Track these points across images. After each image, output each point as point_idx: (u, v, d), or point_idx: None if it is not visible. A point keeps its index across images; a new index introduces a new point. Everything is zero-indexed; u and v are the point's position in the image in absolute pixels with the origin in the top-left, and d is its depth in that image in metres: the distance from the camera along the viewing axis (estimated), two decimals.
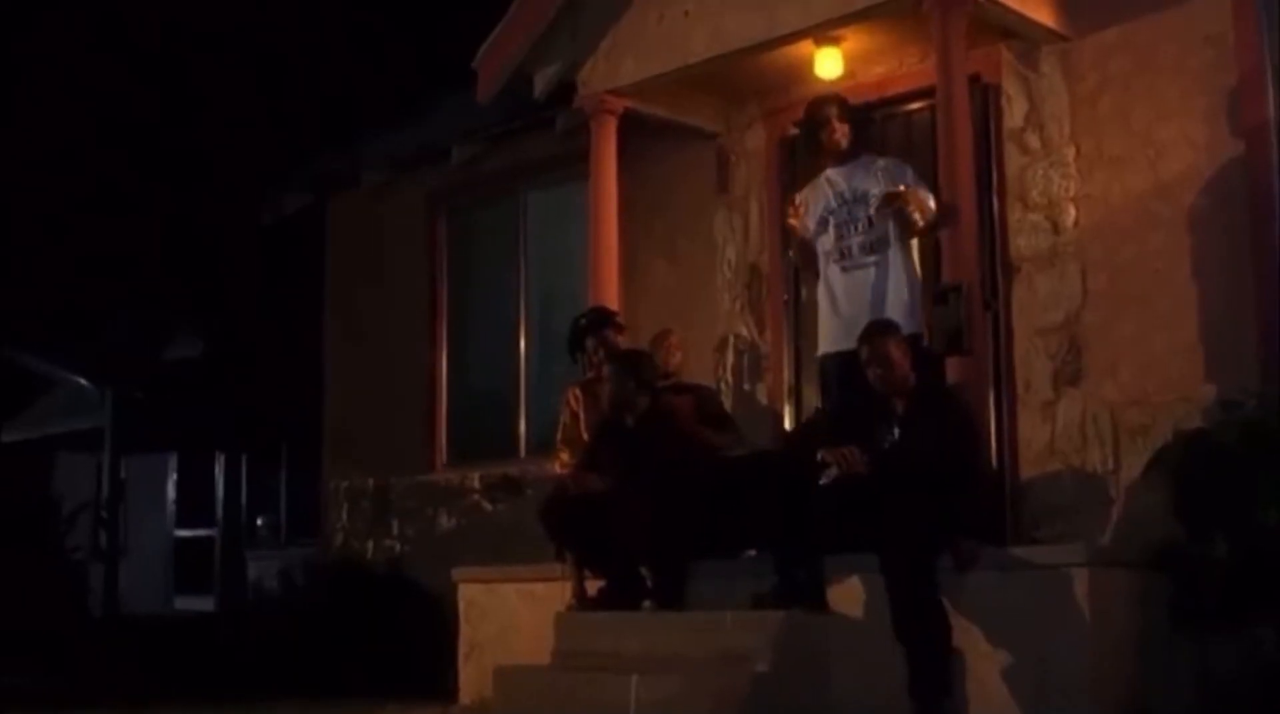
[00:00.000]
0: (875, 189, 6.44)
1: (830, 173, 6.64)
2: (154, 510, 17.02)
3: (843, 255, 6.51)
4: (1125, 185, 6.67)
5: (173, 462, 17.22)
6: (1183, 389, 6.26)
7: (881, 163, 6.60)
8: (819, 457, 5.63)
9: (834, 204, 6.57)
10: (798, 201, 6.72)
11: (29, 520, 12.90)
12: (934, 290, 6.46)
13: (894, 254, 6.38)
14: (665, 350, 7.15)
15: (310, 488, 11.14)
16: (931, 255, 6.81)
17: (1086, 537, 6.28)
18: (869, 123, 6.99)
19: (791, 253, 7.13)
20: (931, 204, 6.33)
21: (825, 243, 6.60)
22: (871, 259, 6.42)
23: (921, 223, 6.29)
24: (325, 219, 10.82)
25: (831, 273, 6.56)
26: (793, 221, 6.69)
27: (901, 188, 6.33)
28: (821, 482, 5.60)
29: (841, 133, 6.61)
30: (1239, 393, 5.82)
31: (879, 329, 5.98)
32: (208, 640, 10.47)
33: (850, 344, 6.18)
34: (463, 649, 7.26)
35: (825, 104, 6.70)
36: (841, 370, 6.37)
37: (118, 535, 14.69)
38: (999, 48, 7.06)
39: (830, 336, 6.56)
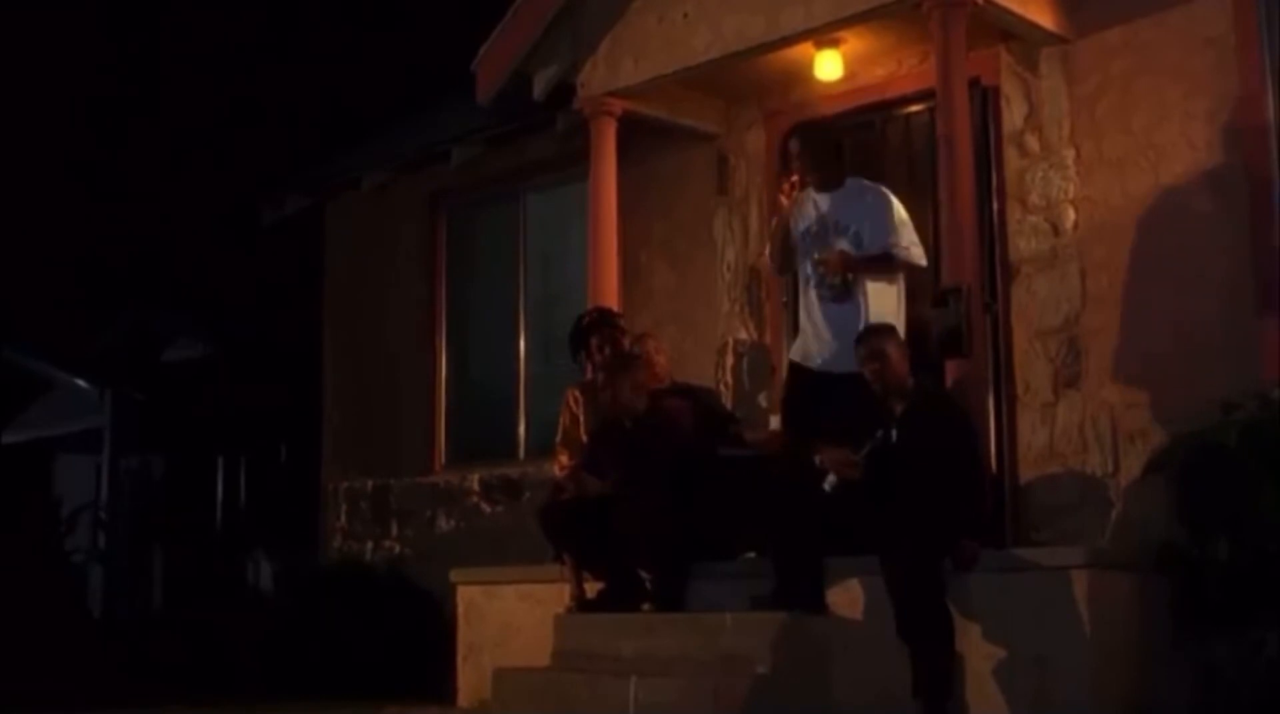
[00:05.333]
0: (858, 225, 6.36)
1: (816, 196, 6.55)
2: (152, 511, 16.99)
3: (820, 281, 6.42)
4: (1125, 187, 6.66)
5: (172, 462, 17.18)
6: (1183, 391, 6.26)
7: (869, 198, 6.46)
8: (817, 461, 5.65)
9: (815, 227, 6.49)
10: (794, 183, 6.57)
11: (29, 521, 12.89)
12: (933, 292, 6.47)
13: (869, 288, 6.32)
14: (645, 356, 7.05)
15: (310, 489, 11.13)
16: (932, 257, 6.81)
17: (1086, 538, 6.28)
18: (838, 149, 6.78)
19: (769, 246, 6.87)
20: (904, 246, 6.32)
21: (805, 267, 6.52)
22: (846, 291, 6.34)
23: (839, 282, 6.24)
24: (325, 219, 10.82)
25: (810, 298, 6.50)
26: (784, 199, 6.56)
27: (828, 256, 6.28)
28: (825, 488, 5.62)
29: (807, 174, 6.51)
30: (1239, 394, 5.82)
31: (878, 329, 6.03)
32: (207, 641, 10.47)
33: (819, 365, 6.33)
34: (461, 651, 7.25)
35: (790, 139, 6.67)
36: (802, 383, 6.43)
37: (117, 536, 14.68)
38: (999, 50, 7.06)
39: (801, 351, 6.55)
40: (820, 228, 6.47)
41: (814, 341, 6.46)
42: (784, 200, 6.58)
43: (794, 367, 6.62)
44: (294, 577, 10.57)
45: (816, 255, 6.39)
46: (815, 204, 6.53)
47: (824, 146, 6.61)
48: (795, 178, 6.57)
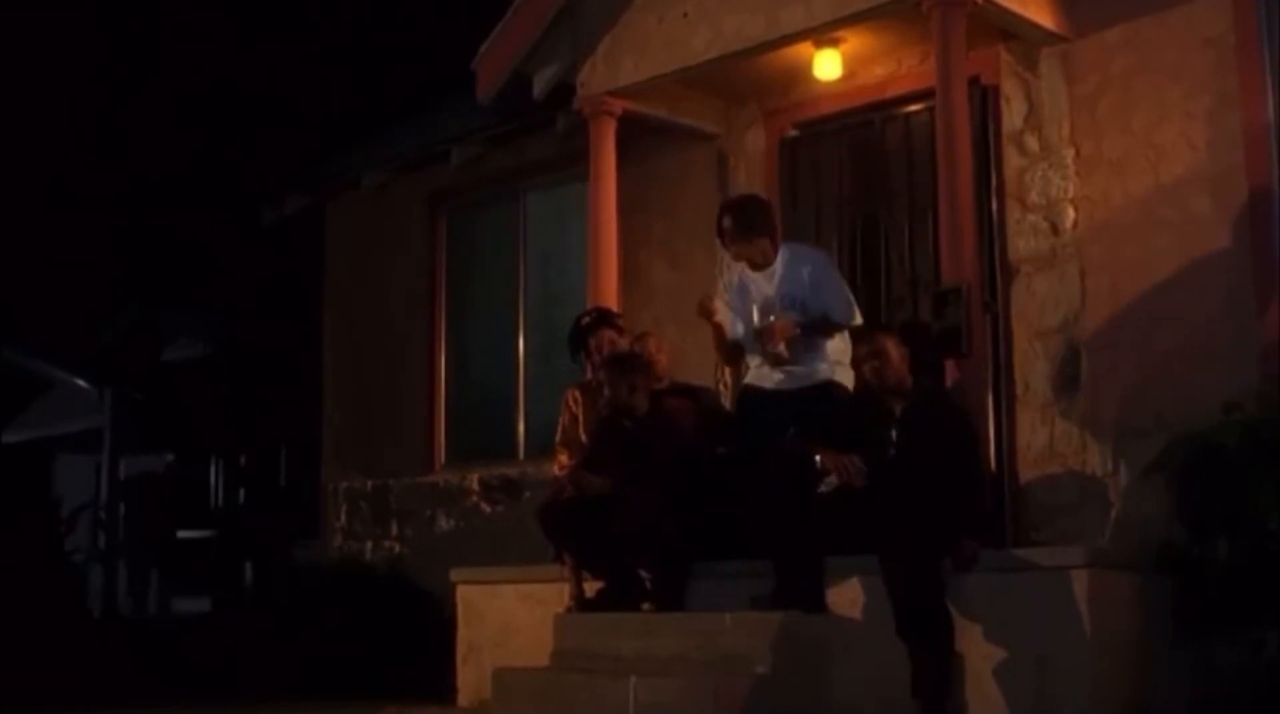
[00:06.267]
0: (802, 297, 6.31)
1: (754, 277, 6.46)
2: (152, 511, 17.00)
3: (778, 360, 6.32)
4: (1125, 187, 6.66)
5: (171, 462, 17.20)
6: (1183, 391, 6.26)
7: (808, 268, 6.39)
8: (817, 461, 5.65)
9: (759, 316, 6.37)
10: (719, 292, 6.59)
11: (29, 521, 12.90)
12: (933, 292, 6.47)
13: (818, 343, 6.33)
14: (645, 356, 7.03)
15: (309, 489, 11.13)
16: (932, 257, 6.82)
17: (1086, 538, 6.29)
18: (768, 216, 6.59)
19: (717, 349, 6.81)
20: (842, 310, 6.30)
21: (751, 341, 6.42)
22: (790, 359, 6.31)
23: (783, 351, 6.19)
24: (325, 219, 10.82)
25: (764, 363, 6.42)
26: (718, 319, 6.46)
27: (770, 321, 6.24)
28: (821, 490, 5.62)
29: (745, 250, 6.45)
30: (1239, 395, 5.82)
31: (878, 328, 6.11)
32: (207, 641, 10.48)
33: (777, 386, 6.30)
34: (461, 650, 7.25)
35: (723, 215, 6.55)
36: (756, 400, 6.37)
37: (116, 536, 14.70)
38: (998, 49, 7.05)
39: (755, 376, 6.49)
40: (764, 311, 6.37)
41: (770, 371, 6.42)
42: (719, 321, 6.48)
43: (748, 388, 6.52)
44: (294, 576, 10.56)
45: (757, 323, 6.33)
46: (756, 287, 6.43)
47: (756, 221, 6.48)
48: (714, 301, 6.53)
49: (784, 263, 6.44)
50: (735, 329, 6.49)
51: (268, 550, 13.67)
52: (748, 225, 6.45)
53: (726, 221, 6.51)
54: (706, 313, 6.49)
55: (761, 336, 6.28)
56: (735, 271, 6.60)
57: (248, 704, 8.08)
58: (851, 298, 6.42)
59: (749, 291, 6.47)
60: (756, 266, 6.47)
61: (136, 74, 20.29)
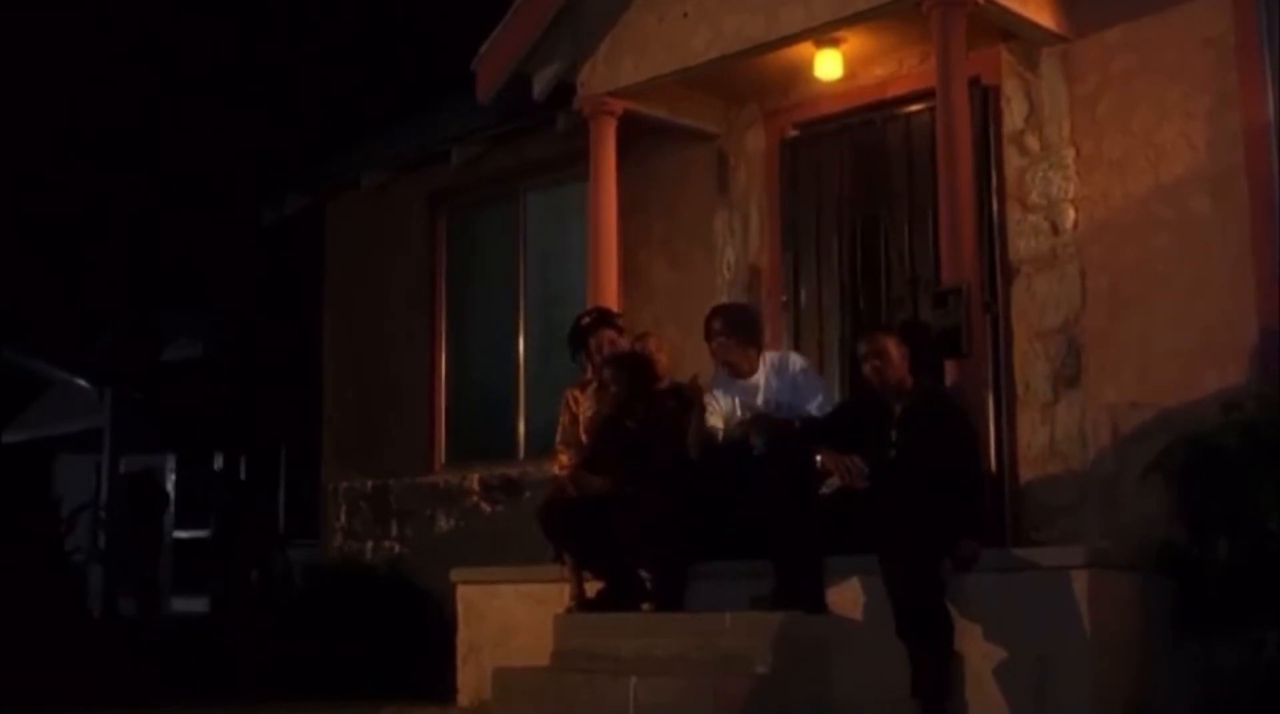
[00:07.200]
0: (790, 401, 6.39)
1: (741, 384, 6.51)
2: (152, 510, 17.00)
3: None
4: (1125, 187, 6.66)
5: (171, 462, 17.22)
6: (1183, 391, 6.26)
7: (790, 373, 6.51)
8: (818, 462, 5.65)
9: (749, 411, 6.42)
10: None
11: (29, 521, 12.90)
12: (933, 292, 6.47)
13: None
14: (646, 355, 7.02)
15: (309, 488, 11.14)
16: (932, 257, 6.82)
17: (1086, 538, 6.28)
18: (758, 327, 6.76)
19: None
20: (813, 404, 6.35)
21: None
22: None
23: (763, 449, 6.15)
24: (325, 219, 10.82)
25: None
26: (705, 411, 6.50)
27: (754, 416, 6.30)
28: (822, 491, 5.62)
29: (733, 354, 6.53)
30: (1239, 395, 5.82)
31: (879, 327, 6.12)
32: (206, 641, 10.47)
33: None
34: (461, 650, 7.25)
35: (714, 318, 6.63)
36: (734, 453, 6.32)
37: (116, 536, 14.70)
38: (999, 49, 7.05)
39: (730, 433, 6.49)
40: (755, 407, 6.43)
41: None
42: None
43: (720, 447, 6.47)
44: (294, 576, 10.57)
45: (739, 415, 6.40)
46: (744, 392, 6.50)
47: (748, 330, 6.61)
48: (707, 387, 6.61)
49: (769, 372, 6.55)
50: (714, 424, 6.49)
51: (268, 550, 13.68)
52: (735, 331, 6.57)
53: (717, 324, 6.62)
54: (696, 390, 6.59)
55: (746, 427, 6.28)
56: (720, 371, 6.67)
57: (248, 704, 8.08)
58: (823, 394, 6.52)
59: (731, 394, 6.53)
60: (740, 374, 6.55)
61: (137, 74, 20.30)
